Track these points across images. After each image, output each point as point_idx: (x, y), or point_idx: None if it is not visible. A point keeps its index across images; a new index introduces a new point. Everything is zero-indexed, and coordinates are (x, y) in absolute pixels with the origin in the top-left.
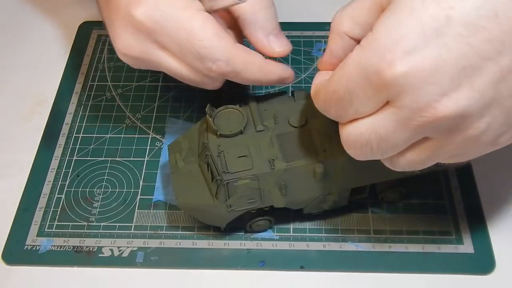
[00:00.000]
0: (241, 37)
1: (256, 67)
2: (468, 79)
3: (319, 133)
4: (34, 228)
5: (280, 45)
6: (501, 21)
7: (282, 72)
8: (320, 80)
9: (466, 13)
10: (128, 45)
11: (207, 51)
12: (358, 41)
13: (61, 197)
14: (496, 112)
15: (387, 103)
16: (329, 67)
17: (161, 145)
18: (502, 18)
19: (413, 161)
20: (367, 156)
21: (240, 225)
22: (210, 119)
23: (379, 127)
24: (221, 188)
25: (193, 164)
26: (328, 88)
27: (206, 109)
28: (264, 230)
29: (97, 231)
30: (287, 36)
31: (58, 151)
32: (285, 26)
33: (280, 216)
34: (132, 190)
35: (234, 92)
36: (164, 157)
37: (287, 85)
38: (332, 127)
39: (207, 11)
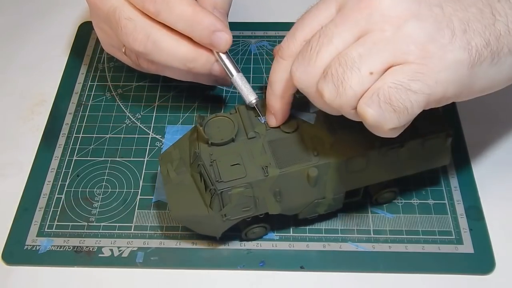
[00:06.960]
0: None
1: (185, 3)
2: None
3: (311, 137)
4: (34, 228)
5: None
6: None
7: (214, 19)
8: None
9: None
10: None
11: None
12: None
13: (61, 197)
14: None
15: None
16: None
17: (161, 145)
18: None
19: None
20: None
21: (235, 233)
22: (200, 128)
23: None
24: (215, 198)
25: (185, 174)
26: None
27: (196, 118)
28: (260, 237)
29: (97, 231)
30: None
31: (58, 151)
32: (285, 26)
33: (276, 222)
34: (132, 190)
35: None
36: None
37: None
38: (323, 131)
39: None
